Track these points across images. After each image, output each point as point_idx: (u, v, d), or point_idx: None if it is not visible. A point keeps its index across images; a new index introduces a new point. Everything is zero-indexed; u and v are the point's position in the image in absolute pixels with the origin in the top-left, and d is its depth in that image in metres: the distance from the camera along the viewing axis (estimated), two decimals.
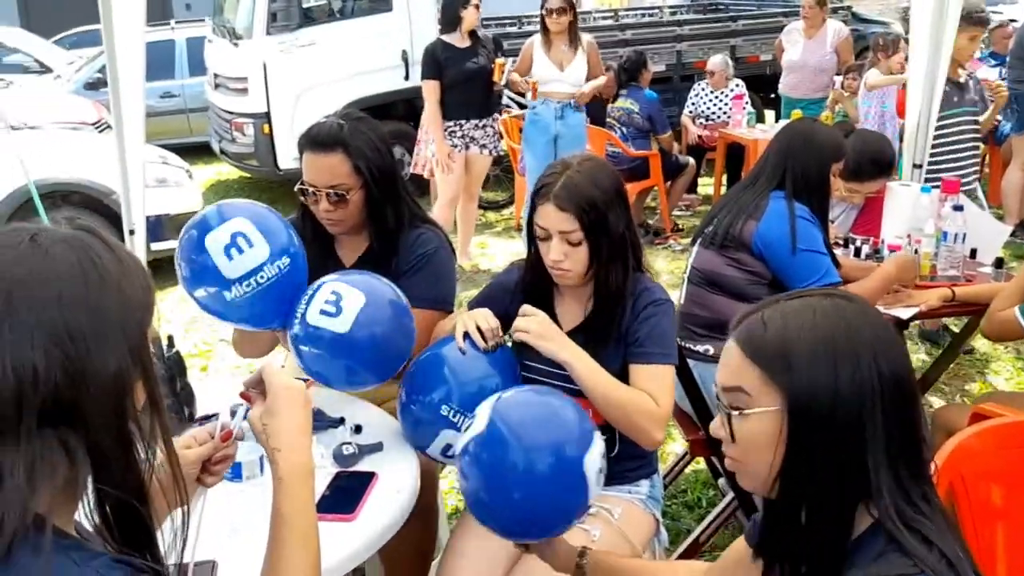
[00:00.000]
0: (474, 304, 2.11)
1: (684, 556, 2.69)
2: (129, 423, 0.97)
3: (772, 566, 1.21)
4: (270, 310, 1.94)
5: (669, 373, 1.97)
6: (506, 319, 2.00)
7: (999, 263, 3.06)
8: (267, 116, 6.96)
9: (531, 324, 1.86)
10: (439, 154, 5.44)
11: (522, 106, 6.50)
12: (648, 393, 1.91)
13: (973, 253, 3.09)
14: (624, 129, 6.36)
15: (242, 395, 1.29)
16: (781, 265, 2.55)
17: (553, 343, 1.85)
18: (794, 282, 2.51)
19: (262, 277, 1.88)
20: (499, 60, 5.42)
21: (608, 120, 6.45)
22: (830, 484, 1.07)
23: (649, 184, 6.49)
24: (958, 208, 3.02)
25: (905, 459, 1.07)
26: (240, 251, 1.87)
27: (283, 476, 1.17)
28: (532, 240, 1.98)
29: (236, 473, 1.78)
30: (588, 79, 5.46)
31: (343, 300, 1.87)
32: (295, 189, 2.23)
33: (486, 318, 1.94)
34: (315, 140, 2.16)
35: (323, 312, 1.86)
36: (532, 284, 2.03)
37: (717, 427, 1.17)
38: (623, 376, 1.95)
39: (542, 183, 1.91)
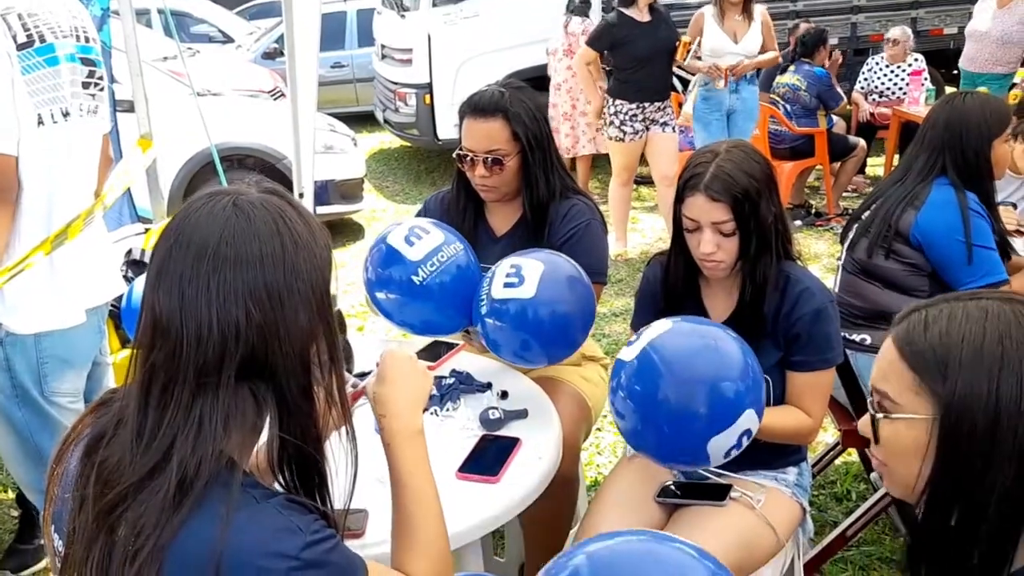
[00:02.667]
0: (635, 320, 2.12)
1: (830, 548, 2.61)
2: (312, 375, 1.05)
3: None
4: (457, 291, 2.01)
5: (828, 376, 1.94)
6: (657, 317, 1.98)
7: None
8: (429, 87, 7.13)
9: None
10: (595, 105, 5.42)
11: (684, 83, 6.31)
12: (802, 405, 1.91)
13: None
14: (788, 106, 6.11)
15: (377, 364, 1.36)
16: (945, 260, 2.37)
17: None
18: (957, 279, 2.35)
19: (442, 256, 1.99)
20: (684, 38, 5.14)
21: (771, 96, 6.21)
22: (984, 506, 0.99)
23: (813, 163, 6.22)
24: None
25: None
26: (419, 237, 2.00)
27: (388, 440, 1.25)
28: (679, 232, 1.95)
29: None
30: (762, 51, 5.25)
31: (523, 269, 1.94)
32: (453, 155, 2.28)
33: None
34: (477, 106, 2.21)
35: (507, 284, 1.93)
36: (678, 277, 2.00)
37: (864, 425, 1.11)
38: (780, 367, 1.91)
39: (690, 174, 1.87)
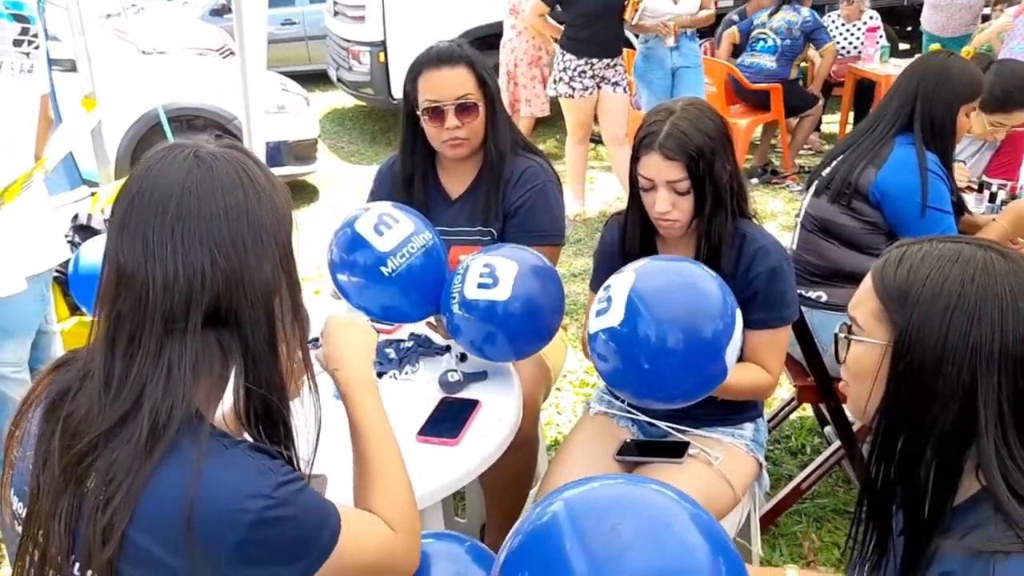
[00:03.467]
0: (593, 281, 2.12)
1: (785, 501, 2.66)
2: (277, 326, 1.06)
3: (872, 526, 1.16)
4: (424, 281, 1.94)
5: (785, 333, 1.96)
6: None
7: None
8: (383, 44, 7.01)
9: None
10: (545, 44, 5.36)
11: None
12: (760, 362, 1.93)
13: None
14: (779, 40, 6.06)
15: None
16: (900, 219, 2.39)
17: None
18: (909, 236, 2.36)
19: (412, 247, 1.91)
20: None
21: (763, 32, 6.17)
22: (928, 436, 1.03)
23: (769, 118, 6.25)
24: None
25: (1019, 431, 1.01)
26: (389, 227, 1.92)
27: (345, 391, 1.28)
28: (635, 192, 1.94)
29: None
30: (701, 9, 5.26)
31: (497, 270, 1.88)
32: (418, 112, 2.20)
33: None
34: (438, 56, 2.17)
35: (481, 285, 1.87)
36: (635, 237, 1.99)
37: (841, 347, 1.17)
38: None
39: (645, 132, 1.85)
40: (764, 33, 6.16)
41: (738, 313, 1.64)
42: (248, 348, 1.03)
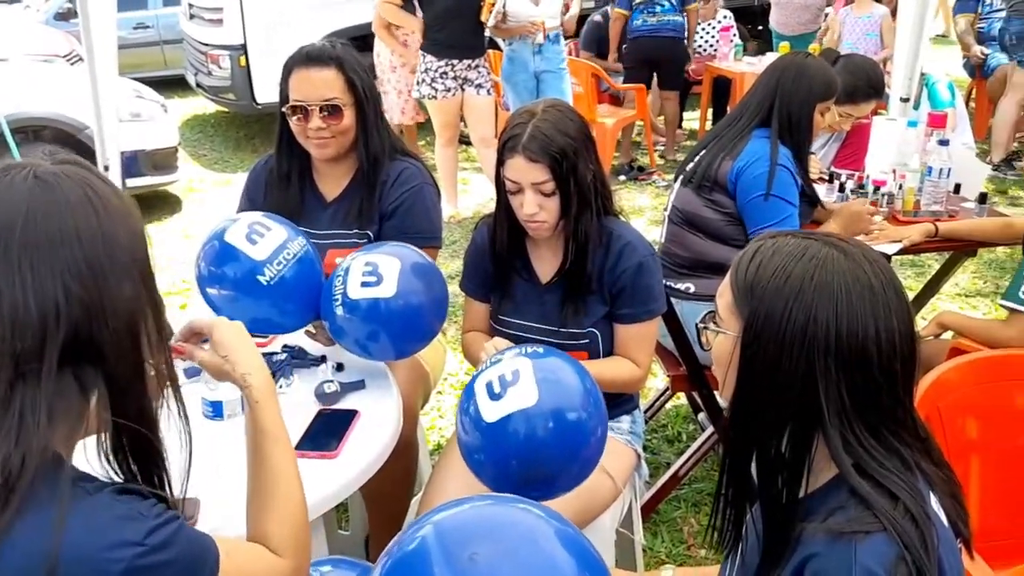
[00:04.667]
0: (464, 283, 2.12)
1: (664, 489, 2.74)
2: (143, 351, 0.99)
3: (730, 516, 1.20)
4: (301, 288, 1.89)
5: (653, 327, 2.01)
6: (487, 280, 2.06)
7: (983, 198, 3.06)
8: (244, 48, 6.80)
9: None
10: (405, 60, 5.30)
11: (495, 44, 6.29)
12: (630, 356, 1.97)
13: (957, 188, 3.09)
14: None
15: (175, 349, 1.29)
16: (745, 205, 2.50)
17: None
18: (753, 222, 2.49)
19: (288, 253, 1.86)
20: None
21: None
22: (775, 425, 1.09)
23: (634, 118, 6.43)
24: (943, 143, 3.00)
25: (865, 419, 1.06)
26: (261, 235, 1.85)
27: (259, 397, 1.22)
28: (502, 195, 1.94)
29: (217, 412, 1.78)
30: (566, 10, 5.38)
31: (380, 267, 1.85)
32: (282, 110, 2.16)
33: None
34: (308, 56, 2.13)
35: (365, 284, 1.83)
36: (505, 240, 2.00)
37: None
38: (607, 321, 1.96)
39: (508, 136, 1.87)
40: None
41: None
42: (113, 380, 0.96)
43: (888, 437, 1.07)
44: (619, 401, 2.07)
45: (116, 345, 0.95)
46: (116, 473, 1.01)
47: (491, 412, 1.51)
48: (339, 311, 1.84)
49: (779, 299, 1.07)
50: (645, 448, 2.36)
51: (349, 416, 1.80)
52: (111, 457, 1.00)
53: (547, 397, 1.50)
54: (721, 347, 1.15)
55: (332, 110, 2.11)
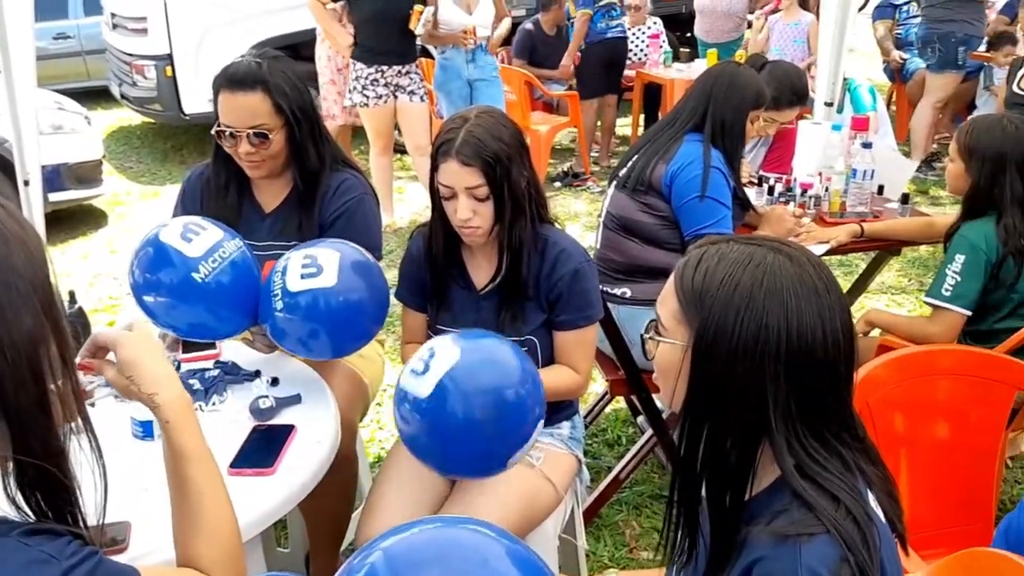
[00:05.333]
0: (401, 292, 2.10)
1: (605, 493, 2.75)
2: (47, 381, 0.93)
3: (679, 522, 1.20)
4: (237, 290, 1.85)
5: (592, 332, 2.02)
6: (423, 289, 2.03)
7: (905, 199, 3.15)
8: (169, 58, 6.65)
9: None
10: (340, 44, 5.23)
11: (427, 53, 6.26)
12: (570, 362, 1.98)
13: (880, 189, 3.18)
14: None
15: (81, 367, 1.22)
16: (682, 204, 2.53)
17: None
18: (688, 223, 2.53)
19: (224, 252, 1.83)
20: (417, 7, 4.94)
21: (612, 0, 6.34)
22: (726, 431, 1.08)
23: (567, 125, 6.48)
24: (867, 145, 3.09)
25: (810, 423, 1.07)
26: (196, 233, 1.82)
27: (170, 417, 1.14)
28: (436, 202, 1.94)
29: (148, 432, 1.73)
30: (496, 19, 5.39)
31: (319, 259, 1.83)
32: (212, 132, 2.13)
33: None
34: (233, 79, 2.07)
35: (305, 276, 1.81)
36: (440, 248, 1.99)
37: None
38: (546, 328, 1.96)
39: (441, 141, 1.86)
40: (614, 3, 6.36)
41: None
42: (14, 415, 0.90)
43: (830, 439, 1.08)
44: (559, 407, 2.08)
45: (16, 378, 0.89)
46: (27, 513, 0.95)
47: (423, 387, 1.53)
48: (279, 308, 1.81)
49: (730, 308, 1.06)
50: (586, 453, 2.37)
51: (285, 431, 1.77)
52: (17, 496, 0.94)
53: (469, 351, 1.56)
54: (667, 357, 1.14)
55: (260, 136, 2.08)
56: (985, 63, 6.21)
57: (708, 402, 1.09)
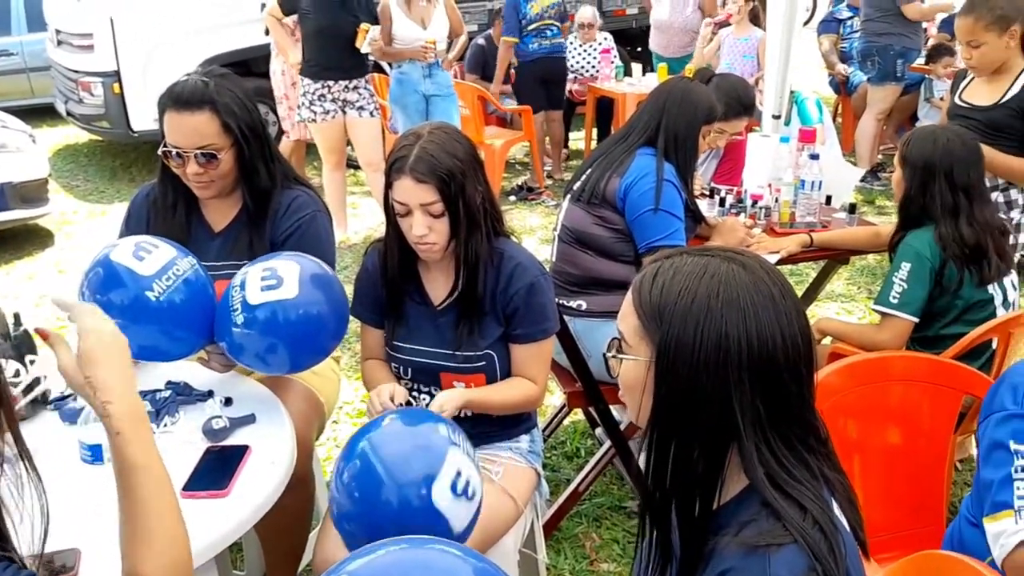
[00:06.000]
0: (357, 309, 2.07)
1: (564, 506, 2.75)
2: None
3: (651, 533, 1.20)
4: (192, 310, 1.83)
5: (548, 345, 2.03)
6: (379, 306, 2.02)
7: (852, 209, 3.22)
8: (117, 75, 6.55)
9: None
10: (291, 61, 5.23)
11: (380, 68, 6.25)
12: (527, 375, 1.98)
13: (828, 200, 3.24)
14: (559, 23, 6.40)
15: (38, 331, 1.18)
16: (636, 217, 2.56)
17: (453, 405, 1.84)
18: (642, 236, 2.56)
19: (178, 269, 1.81)
20: (363, 25, 4.90)
21: (546, 23, 6.37)
22: (695, 442, 1.09)
23: (521, 139, 6.51)
24: (814, 157, 3.15)
25: (778, 428, 1.08)
26: (148, 252, 1.80)
27: (120, 427, 1.09)
28: (391, 217, 1.93)
29: (97, 456, 1.69)
30: (451, 35, 5.39)
31: (279, 271, 1.81)
32: (159, 152, 2.09)
33: (394, 394, 1.86)
34: (179, 99, 2.03)
35: (265, 288, 1.78)
36: (396, 265, 1.99)
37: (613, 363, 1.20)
38: (503, 342, 1.97)
39: (395, 157, 1.86)
40: (547, 24, 6.39)
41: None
42: None
43: (797, 445, 1.09)
44: (517, 420, 2.08)
45: None
46: None
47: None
48: (239, 322, 1.79)
49: (689, 321, 1.06)
50: (544, 466, 2.37)
51: (240, 452, 1.74)
52: None
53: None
54: (631, 373, 1.14)
55: (208, 157, 2.05)
56: (925, 75, 6.38)
57: (675, 415, 1.09)
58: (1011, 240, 2.72)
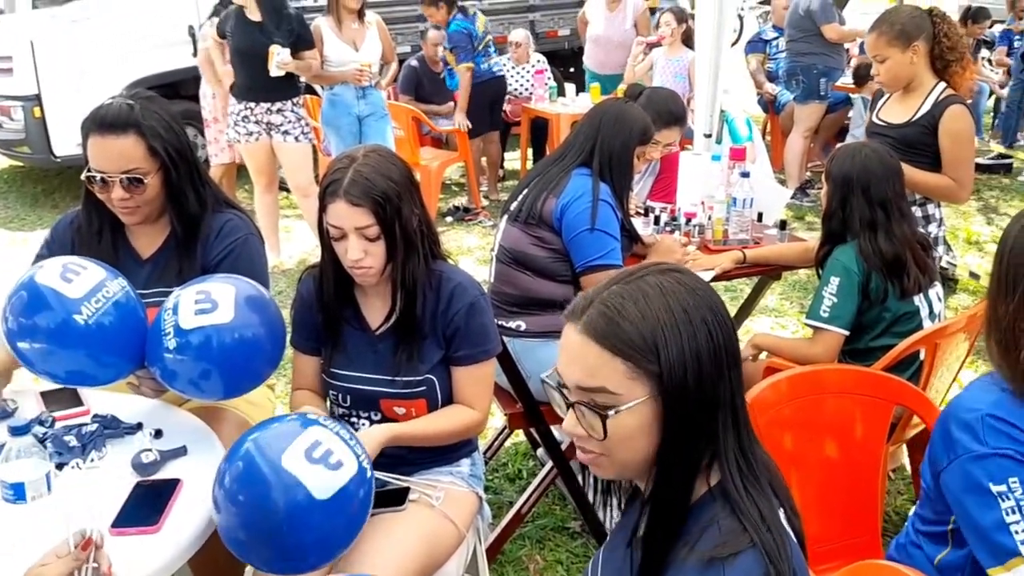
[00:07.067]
0: (292, 337, 2.03)
1: (507, 528, 2.73)
2: None
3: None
4: (122, 333, 1.77)
5: (490, 367, 2.01)
6: (316, 333, 1.99)
7: (783, 225, 3.29)
8: (38, 98, 6.36)
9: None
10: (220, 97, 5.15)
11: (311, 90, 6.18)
12: (468, 399, 1.96)
13: (760, 216, 3.31)
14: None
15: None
16: (572, 237, 2.58)
17: (374, 442, 1.82)
18: (579, 256, 2.57)
19: (108, 291, 1.75)
20: (272, 48, 4.75)
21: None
22: (695, 453, 1.08)
23: (457, 159, 6.51)
24: (745, 175, 3.21)
25: (744, 419, 1.11)
26: (77, 273, 1.74)
27: None
28: (325, 242, 1.90)
29: (19, 495, 1.62)
30: (383, 59, 5.40)
31: (213, 294, 1.76)
32: (82, 177, 2.02)
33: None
34: (103, 122, 1.97)
35: (199, 312, 1.73)
36: (332, 290, 1.95)
37: (573, 425, 1.10)
38: (444, 365, 1.95)
39: (329, 181, 1.83)
40: (490, 41, 6.44)
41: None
42: None
43: (751, 445, 1.11)
44: (458, 445, 2.05)
45: None
46: None
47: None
48: (171, 347, 1.73)
49: (682, 337, 1.05)
50: (486, 489, 2.36)
51: (171, 486, 1.68)
52: None
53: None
54: (630, 421, 1.06)
55: (134, 181, 1.99)
56: (851, 94, 6.58)
57: (687, 436, 1.07)
58: (933, 253, 2.80)
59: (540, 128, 6.95)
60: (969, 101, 4.17)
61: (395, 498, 1.91)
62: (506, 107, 7.03)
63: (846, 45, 6.81)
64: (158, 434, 1.86)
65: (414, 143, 6.20)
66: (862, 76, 6.38)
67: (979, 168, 6.81)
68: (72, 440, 1.81)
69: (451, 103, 6.67)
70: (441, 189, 6.56)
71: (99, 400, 1.98)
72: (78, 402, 1.96)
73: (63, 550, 1.23)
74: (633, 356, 1.05)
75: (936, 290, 2.64)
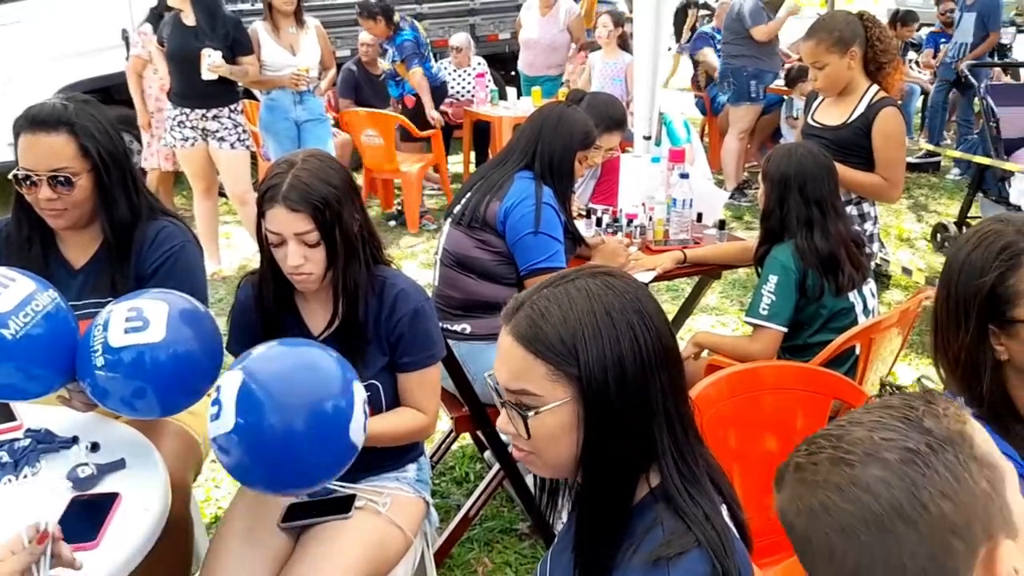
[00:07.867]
0: (232, 345, 2.01)
1: (455, 532, 2.72)
2: None
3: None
4: (53, 347, 1.72)
5: (436, 372, 2.01)
6: (256, 340, 1.93)
7: (722, 225, 3.34)
8: None
9: None
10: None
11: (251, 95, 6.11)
12: (416, 404, 1.96)
13: (699, 217, 3.36)
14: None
15: None
16: (516, 240, 2.59)
17: None
18: (524, 259, 2.59)
19: (38, 304, 1.70)
20: (203, 51, 4.63)
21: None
22: (625, 455, 1.09)
23: (433, 162, 6.48)
24: (684, 176, 3.26)
25: (681, 420, 1.11)
26: (5, 286, 1.68)
27: None
28: (264, 249, 1.88)
29: None
30: (322, 65, 5.37)
31: (146, 311, 1.71)
32: (10, 176, 1.97)
33: None
34: (35, 119, 1.92)
35: (130, 330, 1.68)
36: (271, 297, 1.93)
37: (505, 423, 1.13)
38: (389, 371, 1.93)
39: (267, 186, 1.81)
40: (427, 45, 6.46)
41: (357, 387, 1.66)
42: None
43: (692, 444, 1.12)
44: (404, 450, 2.04)
45: None
46: None
47: (224, 425, 1.56)
48: (99, 365, 1.68)
49: (603, 340, 1.06)
50: (434, 493, 2.35)
51: (109, 500, 1.64)
52: None
53: (252, 369, 1.62)
54: (552, 420, 1.08)
55: (63, 181, 1.94)
56: (785, 96, 6.72)
57: (608, 438, 1.08)
58: (867, 250, 2.87)
59: (482, 131, 6.95)
60: (900, 102, 4.29)
61: (341, 506, 1.89)
62: (448, 110, 7.02)
63: (784, 48, 6.95)
64: (95, 447, 1.81)
65: (392, 150, 6.14)
66: (792, 79, 6.54)
67: (909, 167, 7.03)
68: (3, 456, 1.76)
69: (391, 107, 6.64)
70: (388, 192, 6.52)
71: (33, 414, 1.92)
72: (10, 416, 1.90)
73: (17, 545, 1.20)
74: (553, 359, 1.07)
75: (870, 287, 2.71)
